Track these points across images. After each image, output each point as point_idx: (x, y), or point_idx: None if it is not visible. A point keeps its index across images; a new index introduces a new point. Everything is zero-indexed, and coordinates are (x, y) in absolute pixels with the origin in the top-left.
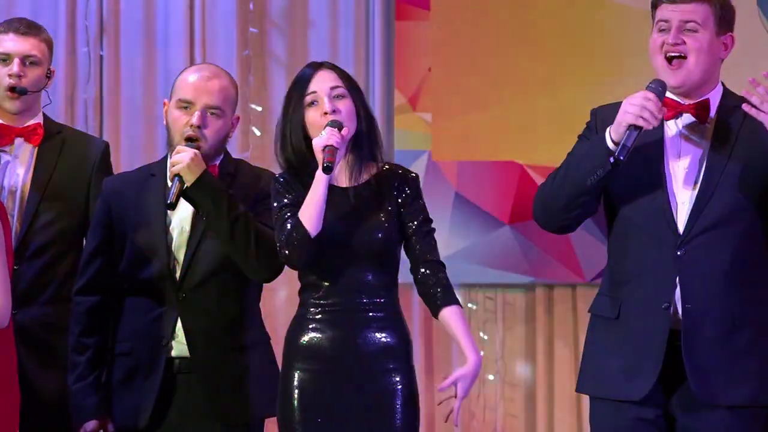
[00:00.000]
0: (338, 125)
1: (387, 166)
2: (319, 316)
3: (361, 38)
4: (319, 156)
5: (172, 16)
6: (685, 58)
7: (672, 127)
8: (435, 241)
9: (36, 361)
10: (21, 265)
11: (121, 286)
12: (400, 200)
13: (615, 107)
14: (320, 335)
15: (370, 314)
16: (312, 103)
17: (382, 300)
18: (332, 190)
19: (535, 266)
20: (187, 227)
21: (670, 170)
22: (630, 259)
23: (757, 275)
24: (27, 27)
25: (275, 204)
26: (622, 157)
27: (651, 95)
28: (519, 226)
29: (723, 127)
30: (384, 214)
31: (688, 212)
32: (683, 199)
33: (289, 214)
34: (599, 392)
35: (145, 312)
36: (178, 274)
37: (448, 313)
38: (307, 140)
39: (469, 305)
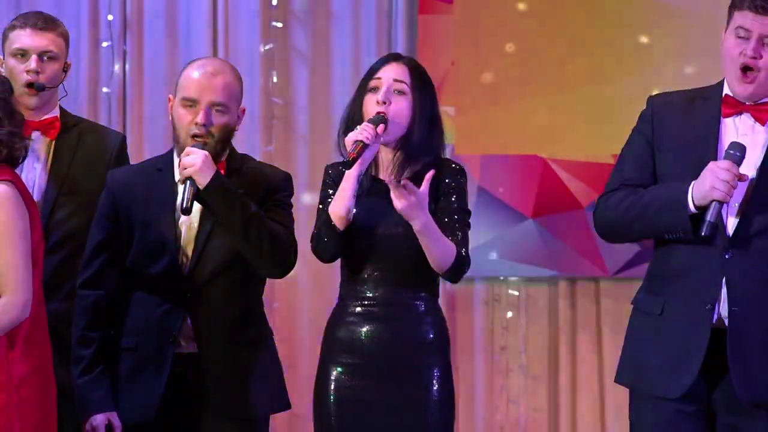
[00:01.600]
0: (377, 121)
1: (437, 161)
2: (357, 309)
3: (383, 32)
4: (348, 149)
5: (195, 10)
6: (758, 71)
7: (729, 126)
8: (466, 232)
9: (55, 356)
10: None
11: (127, 281)
12: (441, 189)
13: (671, 97)
14: (358, 329)
15: (408, 308)
16: (374, 89)
17: (420, 294)
18: (374, 182)
19: (558, 260)
20: (196, 223)
21: None
22: (676, 257)
23: None
24: (44, 22)
25: (321, 194)
26: (706, 233)
27: (736, 169)
28: (542, 220)
29: None
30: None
31: (739, 215)
32: (734, 202)
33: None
34: (640, 388)
35: (153, 307)
36: (186, 270)
37: None
38: None
39: (493, 299)
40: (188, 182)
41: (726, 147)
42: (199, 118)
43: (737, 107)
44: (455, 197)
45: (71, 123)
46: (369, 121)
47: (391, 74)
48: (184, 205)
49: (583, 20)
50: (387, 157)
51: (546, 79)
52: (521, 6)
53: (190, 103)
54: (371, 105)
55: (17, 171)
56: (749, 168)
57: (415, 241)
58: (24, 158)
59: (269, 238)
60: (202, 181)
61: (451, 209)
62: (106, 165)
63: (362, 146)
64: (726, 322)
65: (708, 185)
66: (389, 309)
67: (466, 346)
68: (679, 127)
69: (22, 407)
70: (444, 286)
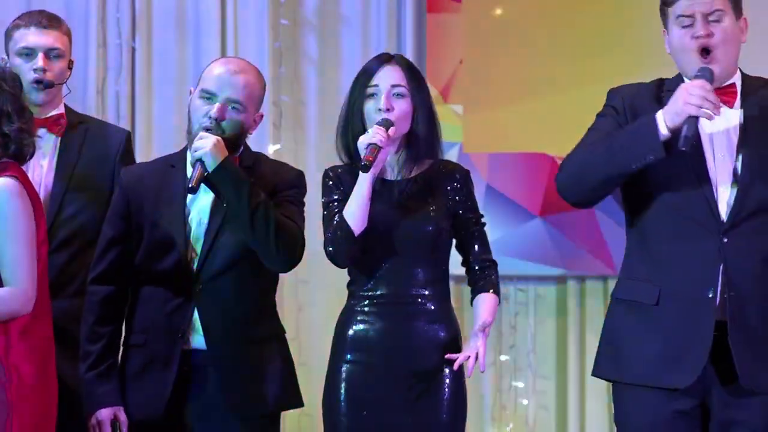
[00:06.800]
0: (387, 124)
1: (440, 163)
2: (368, 308)
3: (392, 30)
4: (362, 153)
5: (204, 8)
6: (714, 49)
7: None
8: (487, 239)
9: (63, 353)
10: (49, 257)
11: (137, 277)
12: (452, 196)
13: (637, 87)
14: (368, 327)
15: (419, 307)
16: (372, 95)
17: (431, 292)
18: (381, 184)
19: (567, 258)
20: (205, 219)
21: (707, 156)
22: (667, 244)
23: None
24: (48, 20)
25: (324, 198)
26: (685, 148)
27: (709, 86)
28: (550, 218)
29: (751, 111)
30: (434, 207)
31: (730, 199)
32: (723, 186)
33: (336, 210)
34: (634, 378)
35: (162, 303)
36: (195, 266)
37: (482, 295)
38: (365, 131)
39: (501, 297)
40: (198, 164)
41: (704, 138)
42: (213, 111)
43: None
44: (470, 205)
45: (76, 120)
46: (378, 124)
47: (388, 80)
48: (190, 185)
49: (592, 19)
50: (392, 158)
51: (555, 78)
52: (529, 4)
53: (208, 95)
54: (372, 112)
55: (24, 167)
56: (730, 150)
57: (424, 241)
58: (32, 155)
59: (276, 228)
60: (212, 163)
61: (470, 221)
62: (112, 161)
63: (377, 149)
64: (726, 307)
65: (681, 102)
66: (400, 308)
67: (489, 346)
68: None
69: (21, 405)
70: (451, 285)
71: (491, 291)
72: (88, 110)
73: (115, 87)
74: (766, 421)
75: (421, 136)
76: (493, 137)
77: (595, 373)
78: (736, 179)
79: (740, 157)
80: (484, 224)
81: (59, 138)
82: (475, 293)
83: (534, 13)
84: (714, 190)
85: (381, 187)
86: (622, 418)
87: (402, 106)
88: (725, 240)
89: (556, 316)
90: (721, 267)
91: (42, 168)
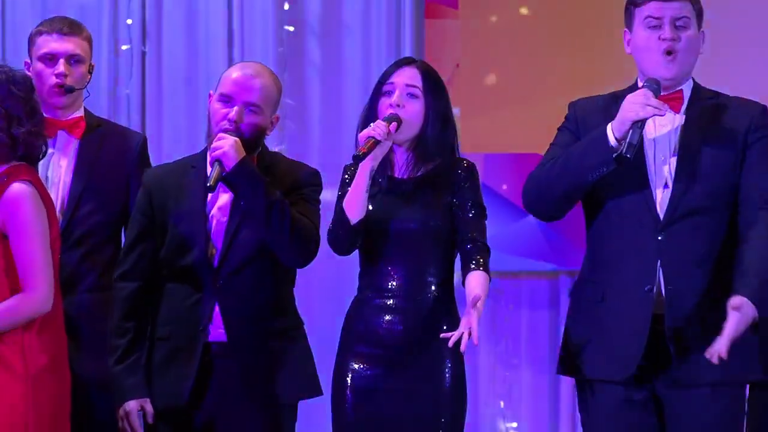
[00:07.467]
0: (390, 119)
1: (449, 160)
2: (375, 301)
3: (392, 35)
4: (361, 144)
5: (212, 15)
6: (677, 52)
7: (649, 119)
8: (483, 225)
9: (76, 348)
10: (63, 254)
11: (161, 273)
12: (455, 188)
13: (593, 100)
14: (375, 320)
15: (424, 301)
16: (387, 93)
17: (436, 287)
18: (389, 181)
19: (559, 254)
20: (225, 217)
21: (648, 159)
22: (611, 244)
23: (729, 260)
24: (69, 27)
25: (339, 192)
26: (629, 155)
27: (650, 94)
28: None
29: (695, 118)
30: (439, 203)
31: (668, 198)
32: (661, 187)
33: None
34: (586, 374)
35: (184, 298)
36: (216, 262)
37: (472, 273)
38: None
39: (495, 292)
40: (216, 163)
41: (648, 142)
42: (231, 114)
43: None
44: (470, 194)
45: (95, 123)
46: (383, 119)
47: (404, 79)
48: (208, 183)
49: (585, 23)
50: (402, 157)
51: (547, 82)
52: (524, 11)
53: (227, 99)
54: (384, 107)
55: (41, 166)
56: (670, 153)
57: (428, 235)
58: (43, 156)
59: (291, 225)
60: (229, 164)
61: (467, 207)
62: (128, 165)
63: (374, 142)
64: (664, 303)
65: (625, 111)
66: (405, 301)
67: (483, 338)
68: (601, 125)
69: (38, 397)
70: None
71: (481, 269)
72: (100, 113)
73: (126, 90)
74: (709, 411)
75: (430, 138)
76: (488, 138)
77: (558, 371)
78: (673, 181)
79: (678, 160)
80: (485, 215)
81: (78, 140)
82: (465, 272)
83: (529, 19)
84: (653, 191)
85: (389, 184)
86: (582, 409)
87: (414, 106)
88: (660, 238)
89: (549, 310)
90: (659, 263)
91: (61, 168)
